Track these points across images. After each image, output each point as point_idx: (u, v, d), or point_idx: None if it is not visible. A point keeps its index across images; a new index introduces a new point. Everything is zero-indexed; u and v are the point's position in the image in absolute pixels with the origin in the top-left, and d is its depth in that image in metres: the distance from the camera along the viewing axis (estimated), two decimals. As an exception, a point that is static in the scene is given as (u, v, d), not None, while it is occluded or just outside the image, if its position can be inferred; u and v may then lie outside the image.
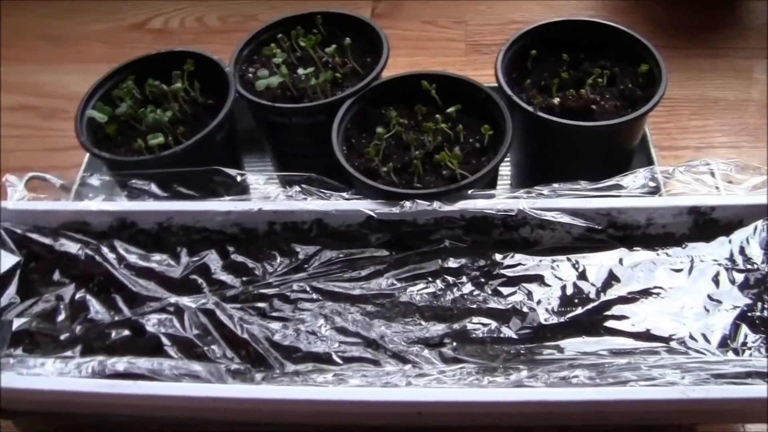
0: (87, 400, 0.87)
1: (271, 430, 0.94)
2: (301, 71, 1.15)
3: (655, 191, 1.04)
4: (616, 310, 0.93)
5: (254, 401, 0.84)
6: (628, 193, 1.01)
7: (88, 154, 1.26)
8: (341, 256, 1.00)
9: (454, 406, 0.83)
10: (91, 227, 1.05)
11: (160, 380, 0.87)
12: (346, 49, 1.18)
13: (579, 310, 0.93)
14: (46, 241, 1.03)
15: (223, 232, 1.04)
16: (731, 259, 0.97)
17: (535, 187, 1.02)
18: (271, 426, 0.94)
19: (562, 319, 0.92)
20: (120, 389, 0.85)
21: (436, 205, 0.98)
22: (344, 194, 1.03)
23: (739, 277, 0.95)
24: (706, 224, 1.00)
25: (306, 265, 0.99)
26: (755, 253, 0.96)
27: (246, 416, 0.91)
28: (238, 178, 1.06)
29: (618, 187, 1.01)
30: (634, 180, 1.01)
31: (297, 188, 1.04)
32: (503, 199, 1.00)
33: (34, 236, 1.03)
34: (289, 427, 0.96)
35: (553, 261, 0.98)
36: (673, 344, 0.89)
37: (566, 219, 0.98)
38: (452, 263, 0.98)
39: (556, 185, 1.02)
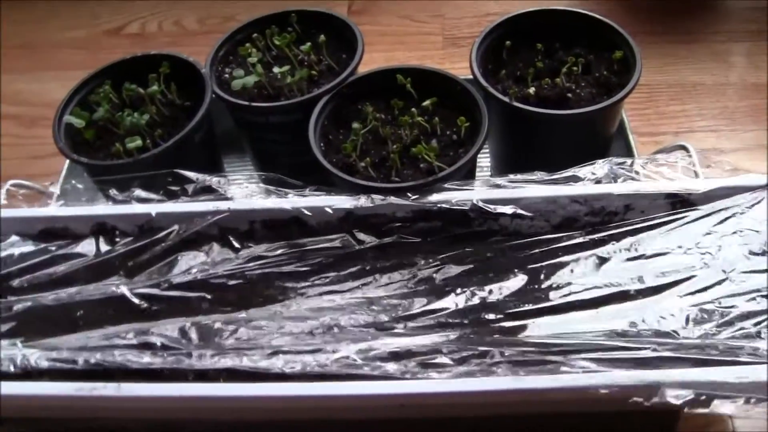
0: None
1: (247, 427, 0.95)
2: (276, 70, 1.15)
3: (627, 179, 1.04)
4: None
5: (225, 399, 0.85)
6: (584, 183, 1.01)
7: (68, 160, 1.26)
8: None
9: (437, 397, 0.83)
10: (71, 232, 1.05)
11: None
12: (321, 47, 1.18)
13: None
14: (28, 246, 1.04)
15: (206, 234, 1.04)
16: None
17: (491, 178, 1.03)
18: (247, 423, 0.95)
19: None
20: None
21: (392, 199, 0.99)
22: (305, 191, 1.03)
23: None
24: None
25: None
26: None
27: (221, 414, 0.91)
28: (196, 179, 1.06)
29: (575, 178, 1.01)
30: (593, 171, 1.01)
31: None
32: (465, 190, 1.01)
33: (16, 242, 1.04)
34: (269, 423, 0.96)
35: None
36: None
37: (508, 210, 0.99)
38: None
39: (512, 176, 1.02)
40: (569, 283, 0.94)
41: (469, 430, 0.96)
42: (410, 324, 0.91)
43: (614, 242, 0.98)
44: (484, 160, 1.29)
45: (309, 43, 1.18)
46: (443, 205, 0.99)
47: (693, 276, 0.93)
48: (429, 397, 0.83)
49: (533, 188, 1.00)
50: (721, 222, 0.97)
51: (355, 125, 1.06)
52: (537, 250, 0.98)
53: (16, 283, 1.01)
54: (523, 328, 0.91)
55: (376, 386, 0.84)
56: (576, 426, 0.99)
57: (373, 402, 0.84)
